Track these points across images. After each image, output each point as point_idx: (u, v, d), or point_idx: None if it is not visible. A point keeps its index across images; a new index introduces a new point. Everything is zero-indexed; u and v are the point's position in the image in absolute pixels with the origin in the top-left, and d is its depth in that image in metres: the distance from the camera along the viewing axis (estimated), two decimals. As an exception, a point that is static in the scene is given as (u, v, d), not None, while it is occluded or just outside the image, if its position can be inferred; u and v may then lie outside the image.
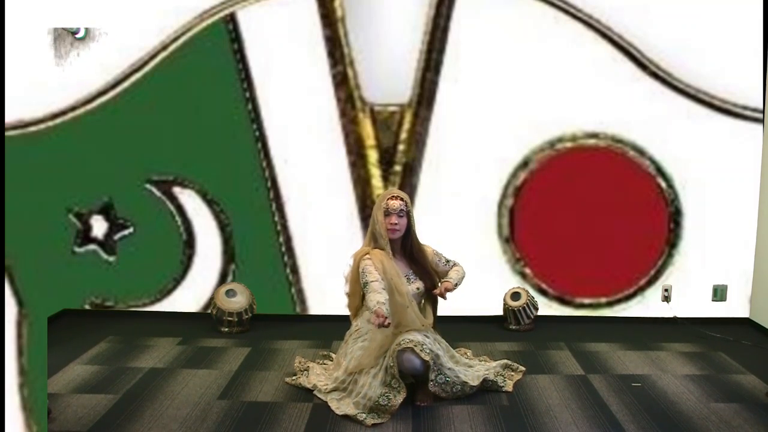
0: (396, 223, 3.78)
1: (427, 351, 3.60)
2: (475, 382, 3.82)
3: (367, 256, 3.81)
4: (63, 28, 5.04)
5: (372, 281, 3.67)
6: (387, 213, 3.79)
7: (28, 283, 2.78)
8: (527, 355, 4.52)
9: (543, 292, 5.30)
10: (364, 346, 3.82)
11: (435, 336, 3.91)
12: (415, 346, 3.58)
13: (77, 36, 5.06)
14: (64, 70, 5.11)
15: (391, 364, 3.58)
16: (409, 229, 3.87)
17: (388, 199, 3.81)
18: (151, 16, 5.06)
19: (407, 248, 3.89)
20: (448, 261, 4.04)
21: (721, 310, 5.26)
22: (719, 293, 5.22)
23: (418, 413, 3.60)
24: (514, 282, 5.24)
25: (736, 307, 5.26)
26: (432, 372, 3.64)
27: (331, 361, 4.27)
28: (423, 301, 3.95)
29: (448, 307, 3.98)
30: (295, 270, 5.31)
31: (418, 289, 3.86)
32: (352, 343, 3.91)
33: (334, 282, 5.23)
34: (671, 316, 5.25)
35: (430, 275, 3.90)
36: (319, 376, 4.01)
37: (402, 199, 3.82)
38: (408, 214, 3.83)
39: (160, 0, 5.06)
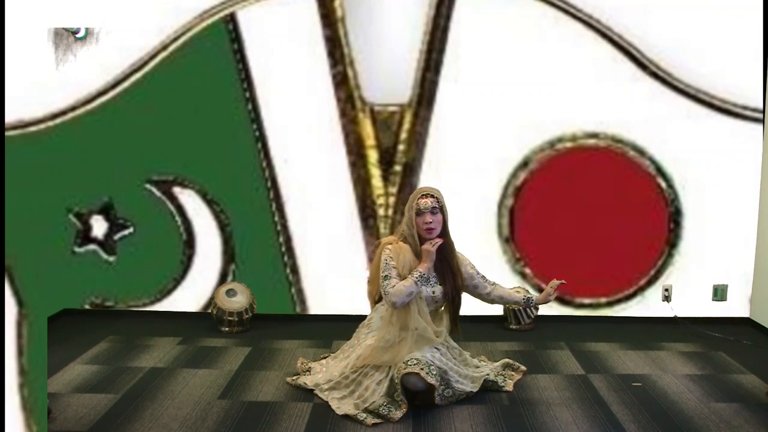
0: (431, 222, 3.66)
1: (434, 373, 3.56)
2: (477, 389, 3.81)
3: (390, 246, 3.75)
4: (63, 28, 5.04)
5: (393, 277, 3.65)
6: (419, 212, 3.68)
7: (28, 283, 2.78)
8: (528, 355, 4.52)
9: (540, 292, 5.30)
10: (370, 344, 3.81)
11: (449, 344, 3.90)
12: (422, 369, 3.53)
13: (77, 36, 5.06)
14: (64, 70, 5.11)
15: (396, 381, 3.58)
16: (444, 227, 3.74)
17: (418, 199, 3.69)
18: (151, 16, 5.06)
19: (440, 246, 3.71)
20: (485, 277, 3.91)
21: (722, 310, 5.26)
22: (719, 293, 5.22)
23: (418, 412, 3.59)
24: (514, 282, 5.23)
25: (736, 306, 5.26)
26: (440, 387, 3.62)
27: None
28: (438, 307, 3.84)
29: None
30: (295, 270, 5.31)
31: (433, 293, 3.74)
32: (363, 336, 3.92)
33: (335, 282, 5.28)
34: (672, 315, 5.25)
35: (455, 276, 3.76)
36: (320, 372, 4.01)
37: (433, 196, 3.69)
38: (442, 210, 3.71)
39: (160, 0, 5.06)
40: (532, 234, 5.26)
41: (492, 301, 3.98)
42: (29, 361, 2.66)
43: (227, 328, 5.04)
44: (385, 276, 3.67)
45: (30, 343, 2.70)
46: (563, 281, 3.82)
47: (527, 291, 4.89)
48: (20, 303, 2.71)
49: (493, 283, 3.94)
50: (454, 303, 3.80)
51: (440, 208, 3.70)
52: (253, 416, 3.57)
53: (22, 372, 2.61)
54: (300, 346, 4.73)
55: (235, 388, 3.95)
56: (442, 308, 3.86)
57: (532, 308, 4.94)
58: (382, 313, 3.84)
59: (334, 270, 5.29)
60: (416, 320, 3.69)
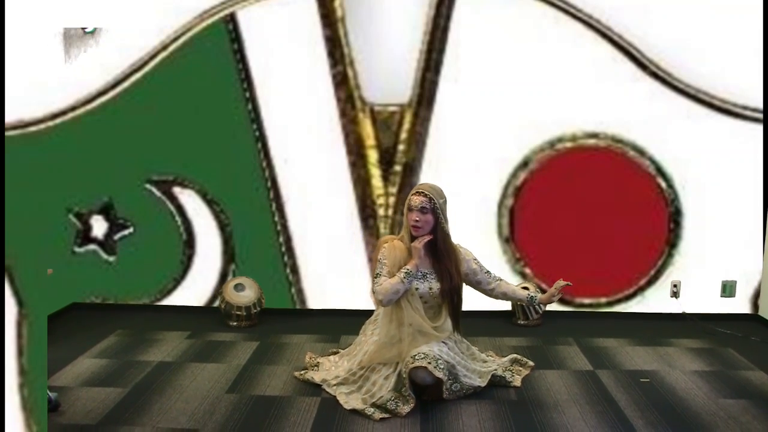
0: (417, 220, 3.67)
1: (441, 367, 3.56)
2: (485, 384, 3.81)
3: (386, 245, 3.80)
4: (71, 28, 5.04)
5: (383, 275, 3.70)
6: (410, 209, 3.70)
7: (28, 283, 2.76)
8: (535, 350, 4.52)
9: (543, 293, 5.28)
10: (375, 341, 3.81)
11: (455, 338, 3.89)
12: (429, 363, 3.54)
13: (86, 31, 5.04)
14: (64, 70, 5.08)
15: (404, 376, 3.58)
16: (438, 226, 3.72)
17: (411, 195, 3.71)
18: (151, 16, 5.04)
19: (433, 245, 3.75)
20: (489, 273, 3.92)
21: (730, 306, 5.26)
22: (728, 289, 5.22)
23: (426, 407, 3.59)
24: (514, 282, 5.21)
25: (744, 303, 5.27)
26: (447, 381, 3.62)
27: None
28: (439, 303, 3.83)
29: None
30: (295, 270, 5.30)
31: (430, 289, 3.75)
32: (370, 333, 3.91)
33: (335, 282, 5.26)
34: (680, 312, 5.25)
35: (452, 276, 3.76)
36: (329, 370, 3.99)
37: (426, 195, 3.68)
38: (434, 211, 3.68)
39: (160, 0, 5.05)
40: (532, 234, 5.26)
41: (496, 297, 3.98)
42: (29, 361, 2.64)
43: (235, 323, 5.03)
44: (376, 274, 3.73)
45: (30, 343, 2.68)
46: (569, 283, 3.77)
47: (535, 288, 4.90)
48: (20, 303, 2.69)
49: (498, 279, 3.94)
50: (453, 302, 3.80)
51: (431, 209, 3.68)
52: (261, 410, 3.55)
53: (22, 372, 2.59)
54: (308, 340, 4.72)
55: (243, 382, 3.94)
56: (443, 304, 3.85)
57: (537, 306, 4.95)
58: (386, 309, 3.83)
59: (334, 270, 5.28)
60: (409, 316, 3.71)
